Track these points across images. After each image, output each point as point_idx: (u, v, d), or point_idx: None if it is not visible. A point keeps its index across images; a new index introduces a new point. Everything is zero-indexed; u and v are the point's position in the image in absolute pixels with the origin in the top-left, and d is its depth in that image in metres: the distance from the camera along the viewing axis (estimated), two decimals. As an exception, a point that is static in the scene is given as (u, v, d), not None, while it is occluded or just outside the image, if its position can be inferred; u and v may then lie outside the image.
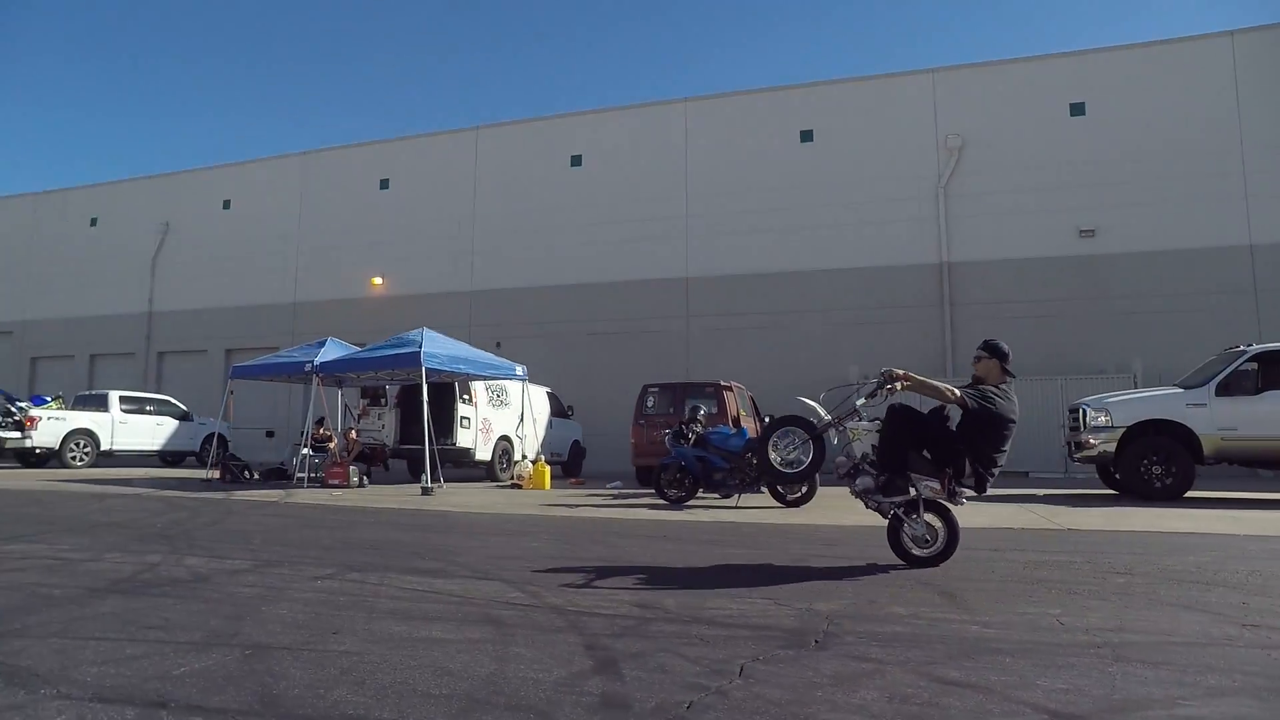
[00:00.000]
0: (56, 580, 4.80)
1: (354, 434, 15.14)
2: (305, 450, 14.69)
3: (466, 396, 15.43)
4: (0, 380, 33.84)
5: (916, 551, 5.38)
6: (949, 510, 5.38)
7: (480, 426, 15.61)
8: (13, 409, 19.51)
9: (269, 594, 4.48)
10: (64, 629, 3.62)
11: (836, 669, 3.09)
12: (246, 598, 4.37)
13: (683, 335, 23.24)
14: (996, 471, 5.30)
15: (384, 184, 27.75)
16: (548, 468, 14.32)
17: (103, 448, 20.33)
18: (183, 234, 31.40)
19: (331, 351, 14.20)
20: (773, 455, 6.41)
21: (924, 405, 5.58)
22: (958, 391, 5.19)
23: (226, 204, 30.62)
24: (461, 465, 16.10)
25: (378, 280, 26.92)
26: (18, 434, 19.13)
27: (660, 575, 5.25)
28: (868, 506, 5.61)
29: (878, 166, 21.95)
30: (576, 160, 25.16)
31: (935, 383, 5.27)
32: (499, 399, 16.38)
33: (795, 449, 6.35)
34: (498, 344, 24.03)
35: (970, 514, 9.30)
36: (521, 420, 15.89)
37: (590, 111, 25.57)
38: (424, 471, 12.69)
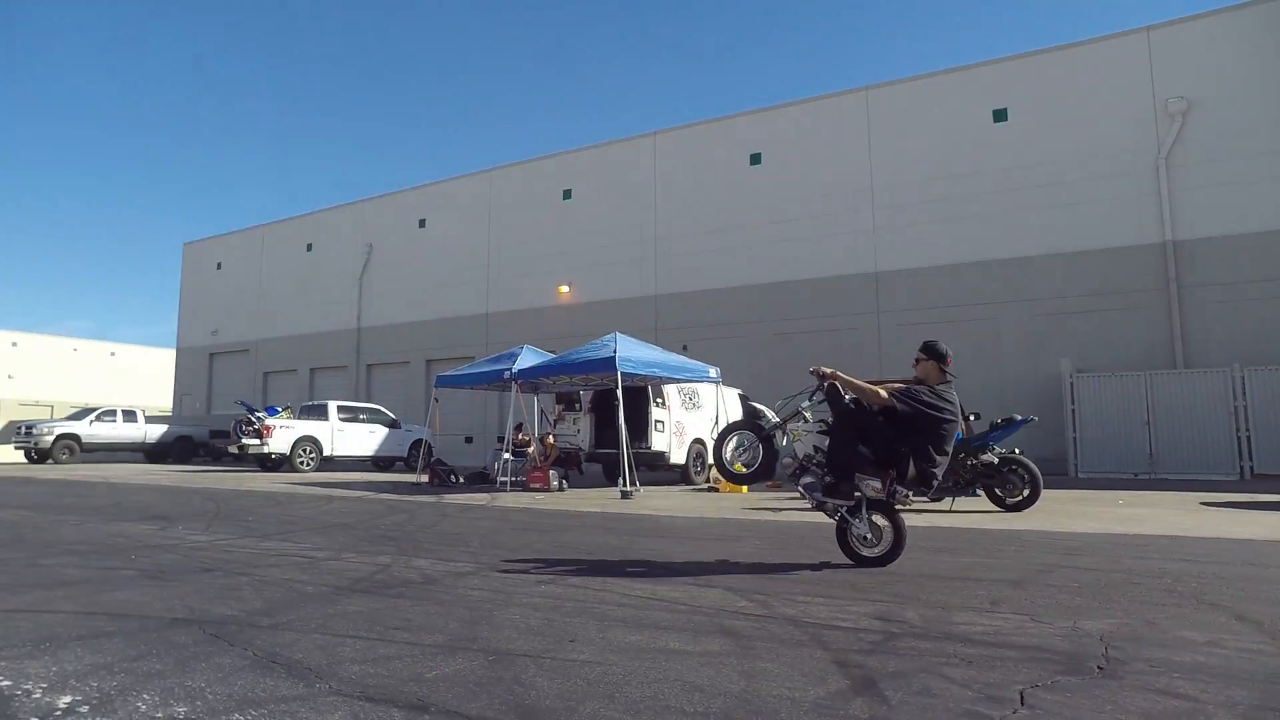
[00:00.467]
0: (307, 578, 5.09)
1: (550, 439, 15.56)
2: (506, 455, 15.23)
3: (660, 400, 15.48)
4: (239, 392, 37.72)
5: (864, 551, 5.48)
6: (896, 511, 5.43)
7: (674, 430, 15.62)
8: (253, 418, 21.57)
9: (497, 598, 4.53)
10: (322, 625, 3.79)
11: (1144, 705, 2.68)
12: (476, 601, 4.44)
13: (873, 332, 22.35)
14: (939, 471, 5.28)
15: (566, 194, 28.56)
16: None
17: (325, 453, 22.10)
18: (384, 253, 33.71)
19: (527, 359, 14.65)
20: (728, 457, 6.56)
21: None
22: (884, 393, 5.27)
23: (422, 223, 32.58)
24: (655, 469, 16.18)
25: (564, 288, 27.71)
26: (257, 441, 21.13)
27: (890, 584, 4.90)
28: (812, 506, 5.72)
29: (1082, 141, 20.17)
30: (756, 158, 24.83)
31: (863, 383, 5.40)
32: (691, 402, 16.35)
33: (746, 450, 6.48)
34: (684, 347, 24.07)
35: (1241, 524, 8.25)
36: (715, 423, 15.77)
37: (767, 108, 25.17)
38: (620, 475, 12.81)
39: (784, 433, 6.08)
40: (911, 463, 5.23)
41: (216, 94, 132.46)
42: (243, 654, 3.25)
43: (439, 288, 31.40)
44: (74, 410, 31.58)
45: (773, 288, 23.99)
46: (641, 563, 5.92)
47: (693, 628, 3.81)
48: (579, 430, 16.59)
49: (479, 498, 12.45)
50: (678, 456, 15.96)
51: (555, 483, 13.93)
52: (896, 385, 5.42)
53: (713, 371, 15.21)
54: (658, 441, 15.42)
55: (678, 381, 15.40)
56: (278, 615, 3.99)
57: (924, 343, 5.57)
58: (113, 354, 69.76)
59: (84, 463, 27.10)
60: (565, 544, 7.02)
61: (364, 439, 23.07)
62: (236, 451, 22.56)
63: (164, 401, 59.76)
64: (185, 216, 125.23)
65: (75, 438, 27.75)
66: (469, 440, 28.62)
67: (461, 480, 15.70)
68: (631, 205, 26.91)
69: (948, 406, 5.27)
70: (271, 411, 22.69)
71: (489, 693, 2.80)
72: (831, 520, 5.65)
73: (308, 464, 21.59)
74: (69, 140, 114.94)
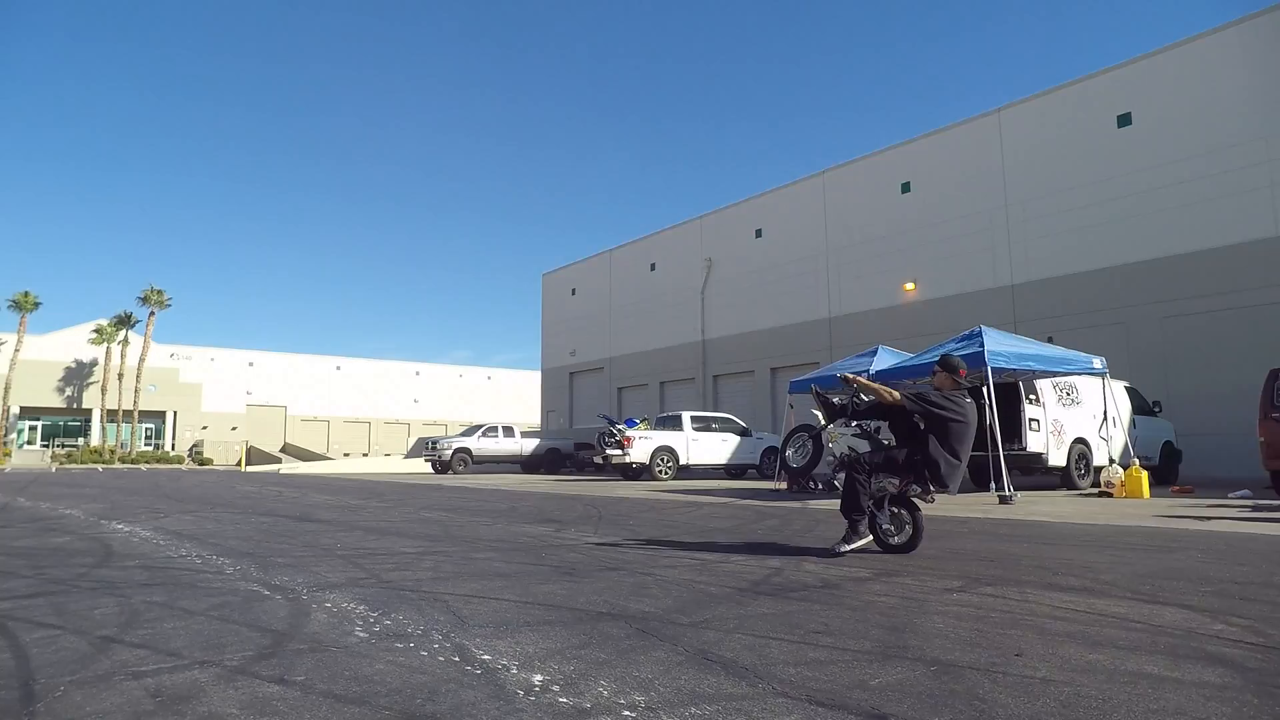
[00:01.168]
0: (705, 579, 5.16)
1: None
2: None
3: (1032, 397, 14.08)
4: (597, 408, 40.96)
5: (890, 540, 6.15)
6: (917, 507, 6.09)
7: (1051, 429, 14.12)
8: (614, 431, 23.19)
9: (908, 604, 4.22)
10: (739, 625, 3.75)
11: None
12: (888, 607, 4.17)
13: (1301, 305, 18.58)
14: (951, 479, 5.85)
15: (905, 187, 27.34)
16: (1144, 473, 12.32)
17: (681, 462, 23.10)
18: (724, 266, 34.71)
19: (884, 359, 14.11)
20: (790, 455, 7.43)
21: None
22: (898, 395, 5.92)
23: (759, 232, 33.07)
24: (1030, 472, 14.74)
25: (910, 285, 26.51)
26: (620, 451, 22.66)
27: None
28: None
29: None
30: (1124, 119, 21.88)
31: (879, 387, 6.10)
32: (1068, 397, 14.69)
33: (799, 449, 7.30)
34: (1049, 338, 21.85)
35: None
36: (1104, 419, 14.02)
37: (1138, 59, 22.05)
38: (996, 479, 11.81)
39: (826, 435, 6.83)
40: (926, 465, 5.84)
41: (560, 129, 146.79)
42: (673, 649, 3.29)
43: (778, 295, 31.63)
44: (464, 428, 36.46)
45: (1153, 265, 20.94)
46: (1058, 572, 5.25)
47: (1166, 651, 3.21)
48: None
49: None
50: (1056, 458, 14.38)
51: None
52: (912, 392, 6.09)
53: (1097, 362, 13.50)
54: (1033, 442, 14.00)
55: (1056, 375, 13.90)
56: (693, 614, 4.03)
57: (940, 357, 6.33)
58: (489, 378, 79.51)
59: (474, 472, 31.05)
60: (958, 551, 6.50)
61: (717, 448, 23.78)
62: (600, 462, 24.43)
63: (532, 418, 66.95)
64: (543, 247, 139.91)
65: (468, 451, 31.86)
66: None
67: (820, 487, 15.47)
68: (977, 191, 25.05)
69: (953, 407, 5.87)
70: (631, 424, 24.24)
71: (949, 706, 2.52)
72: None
73: (665, 472, 22.72)
74: (454, 191, 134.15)
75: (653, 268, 38.94)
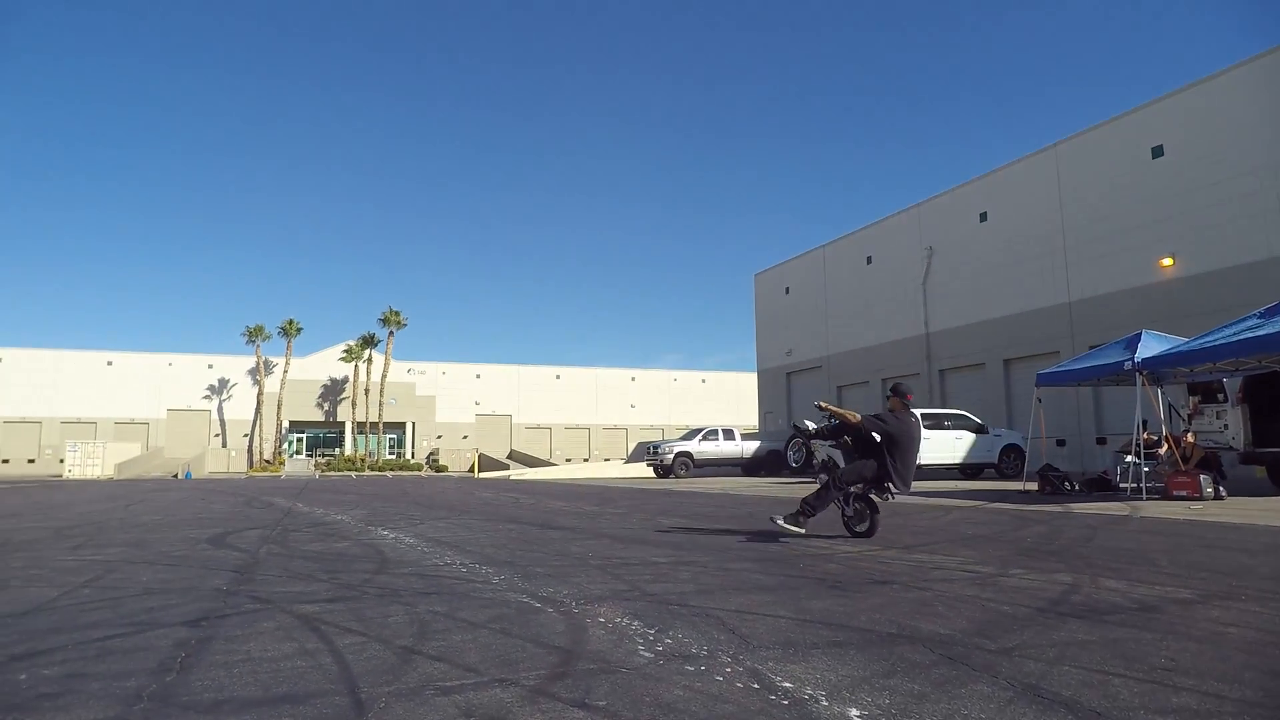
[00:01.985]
0: (991, 595, 4.68)
1: (1191, 437, 13.12)
2: (1129, 458, 13.29)
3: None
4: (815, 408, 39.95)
5: (855, 529, 7.80)
6: (876, 506, 7.74)
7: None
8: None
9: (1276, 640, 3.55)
10: (1060, 654, 3.30)
11: None
12: (1248, 642, 3.52)
13: None
14: (903, 481, 7.51)
15: (1156, 152, 24.50)
16: None
17: (911, 462, 21.95)
18: (946, 254, 32.78)
19: (1151, 345, 12.57)
20: (790, 456, 9.65)
21: None
22: (858, 417, 7.69)
23: (983, 216, 30.94)
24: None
25: (1167, 261, 23.72)
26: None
27: None
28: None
29: None
30: None
31: (843, 411, 7.83)
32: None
33: (796, 452, 9.46)
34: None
35: None
36: None
37: None
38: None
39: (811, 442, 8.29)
40: (883, 472, 7.42)
41: (765, 121, 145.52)
42: (994, 681, 2.91)
43: (1009, 282, 29.42)
44: (681, 431, 36.82)
45: None
46: None
47: None
48: (1225, 426, 13.74)
49: (1112, 507, 10.93)
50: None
51: (1208, 489, 11.61)
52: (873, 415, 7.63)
53: None
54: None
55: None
56: (996, 638, 3.61)
57: (892, 384, 7.83)
58: (703, 380, 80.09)
59: (696, 476, 31.20)
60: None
61: (949, 446, 22.43)
62: (795, 466, 23.71)
63: (748, 419, 66.71)
64: (753, 246, 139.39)
65: (689, 455, 32.10)
66: (1061, 444, 26.05)
67: (1077, 487, 14.10)
68: (1248, 148, 21.97)
69: (899, 426, 7.35)
70: (855, 422, 23.33)
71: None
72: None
73: (895, 473, 21.65)
74: (660, 193, 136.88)
75: (869, 260, 37.51)
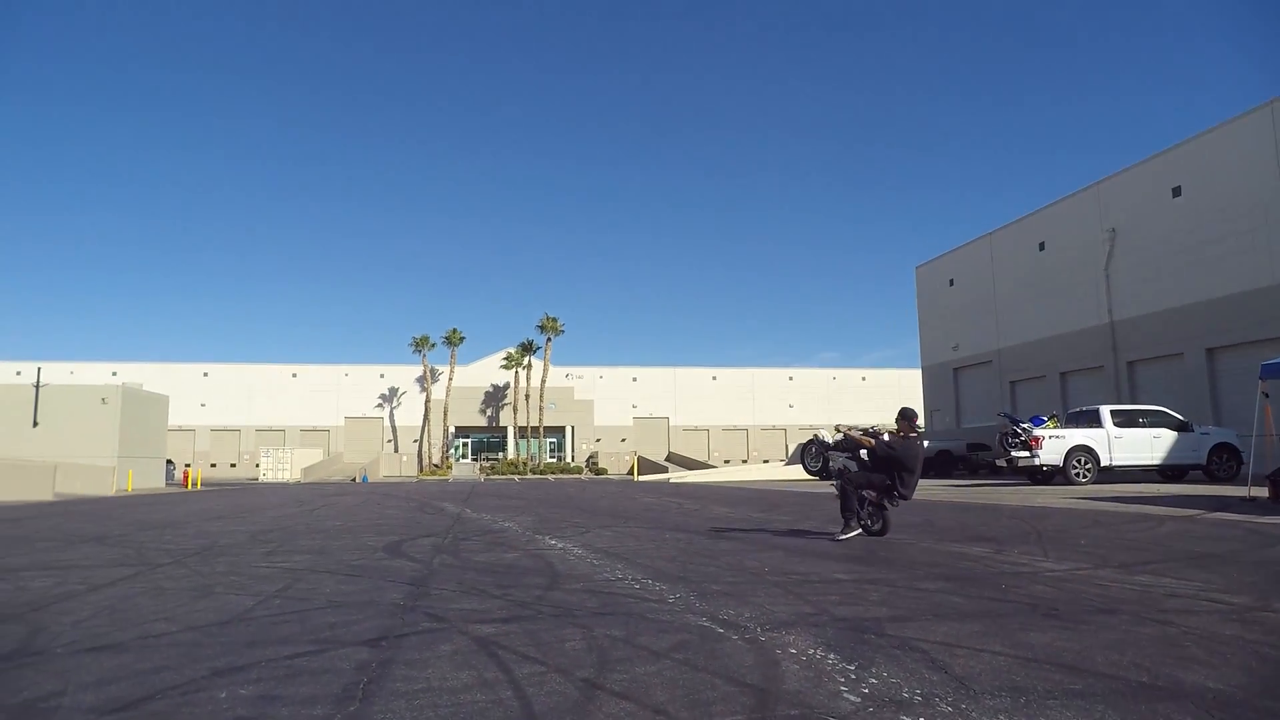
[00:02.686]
0: (1257, 636, 3.96)
1: None
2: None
3: None
4: (985, 404, 37.87)
5: (872, 528, 8.81)
6: (885, 508, 8.73)
7: None
8: (1019, 430, 20.96)
9: None
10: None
11: None
12: None
13: None
14: (908, 491, 8.59)
15: (1392, 108, 21.44)
16: None
17: (1101, 464, 20.20)
18: (1131, 235, 30.11)
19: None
20: (806, 464, 10.68)
21: None
22: (872, 441, 8.61)
23: (1176, 191, 28.16)
24: None
25: None
26: (1026, 453, 20.41)
27: None
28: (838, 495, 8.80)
29: None
30: None
31: (860, 437, 8.80)
32: None
33: (814, 459, 10.26)
34: None
35: None
36: None
37: None
38: None
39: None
40: (890, 486, 8.58)
41: (921, 106, 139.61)
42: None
43: (1210, 262, 26.64)
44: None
45: None
46: None
47: None
48: None
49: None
50: None
51: None
52: (885, 438, 8.67)
53: None
54: None
55: None
56: (1284, 693, 2.97)
57: (900, 410, 8.97)
58: (863, 378, 77.64)
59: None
60: None
61: (1146, 445, 20.45)
62: (1004, 465, 22.25)
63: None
64: (913, 238, 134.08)
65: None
66: None
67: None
68: None
69: (903, 452, 8.46)
70: (1037, 422, 21.75)
71: None
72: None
73: (1083, 475, 20.01)
74: (814, 187, 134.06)
75: (1041, 247, 35.02)
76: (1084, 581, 5.63)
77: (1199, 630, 4.04)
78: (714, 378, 75.36)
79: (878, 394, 75.50)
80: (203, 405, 66.96)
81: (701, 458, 68.12)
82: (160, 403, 36.57)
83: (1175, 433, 20.50)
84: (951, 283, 41.65)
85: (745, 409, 74.78)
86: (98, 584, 6.40)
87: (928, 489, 20.67)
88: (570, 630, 4.37)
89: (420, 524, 12.44)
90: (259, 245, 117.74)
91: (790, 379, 76.57)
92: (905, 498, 8.70)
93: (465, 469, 64.54)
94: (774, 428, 74.43)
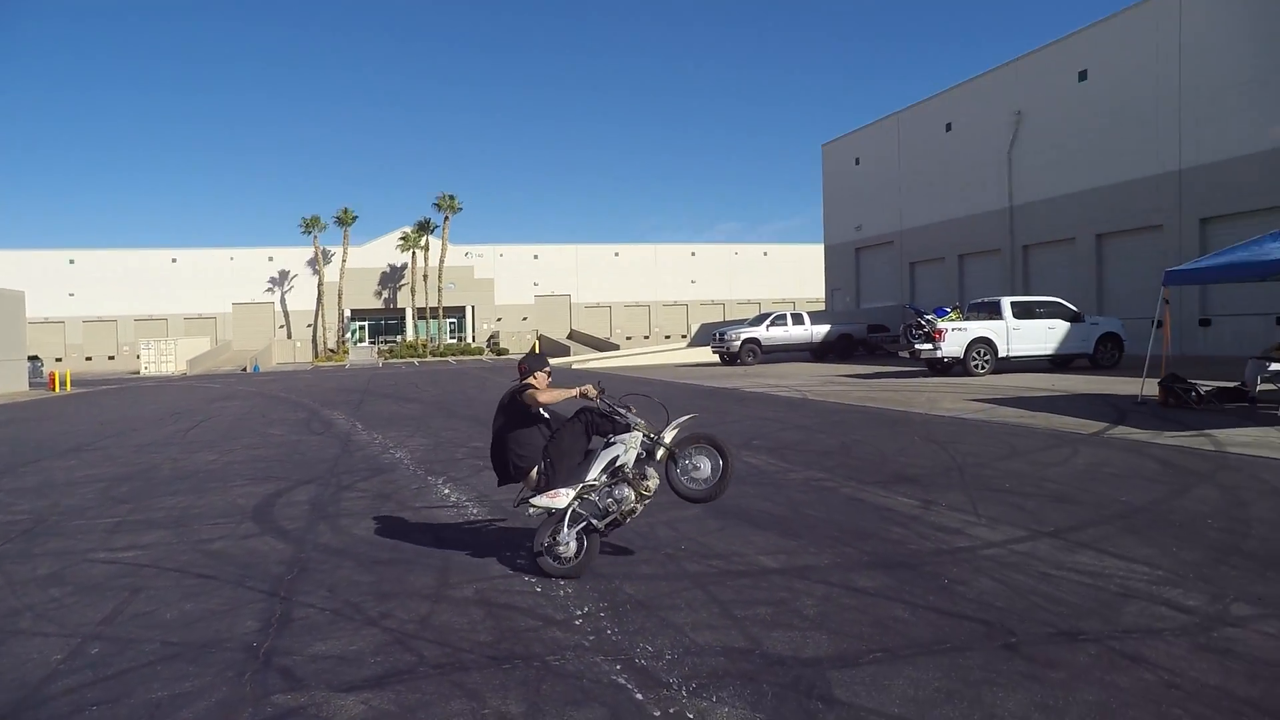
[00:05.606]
0: (1240, 684, 3.50)
1: (1347, 344, 11.46)
2: (1275, 366, 11.75)
3: None
4: (886, 285, 38.23)
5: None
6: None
7: None
8: (922, 321, 20.98)
9: None
10: None
11: None
12: None
13: None
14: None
15: (1295, -5, 21.34)
16: None
17: (1000, 354, 20.51)
18: (1036, 119, 29.98)
19: (1316, 241, 10.74)
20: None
21: None
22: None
23: (1082, 75, 27.93)
24: None
25: (1296, 124, 21.04)
26: (929, 345, 20.50)
27: None
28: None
29: None
30: None
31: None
32: None
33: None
34: None
35: None
36: None
37: None
38: None
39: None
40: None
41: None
42: None
43: (1108, 149, 26.80)
44: (743, 305, 35.48)
45: None
46: None
47: None
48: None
49: (1273, 439, 9.53)
50: None
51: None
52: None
53: None
54: None
55: None
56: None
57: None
58: (765, 254, 77.82)
59: (764, 363, 30.11)
60: None
61: (1042, 336, 20.82)
62: (908, 355, 22.44)
63: (811, 293, 64.86)
64: (819, 115, 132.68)
65: (757, 342, 30.97)
66: (1205, 324, 24.17)
67: (1205, 396, 12.60)
68: None
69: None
70: (940, 313, 21.84)
71: None
72: None
73: (982, 366, 20.33)
74: (715, 60, 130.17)
75: (948, 128, 34.66)
76: (1026, 569, 5.17)
77: (1176, 672, 3.55)
78: (616, 254, 74.22)
79: (780, 269, 75.98)
80: (71, 295, 62.24)
81: (604, 335, 67.72)
82: (13, 298, 33.17)
83: (1068, 323, 20.88)
84: (857, 162, 41.18)
85: (647, 285, 74.29)
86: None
87: (834, 379, 20.64)
88: (458, 703, 3.59)
89: (304, 456, 11.40)
90: (127, 121, 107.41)
91: (693, 254, 76.08)
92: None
93: (363, 354, 62.39)
94: (676, 304, 74.39)
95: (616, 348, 55.58)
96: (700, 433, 5.67)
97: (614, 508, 5.29)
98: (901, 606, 4.60)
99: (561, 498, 5.21)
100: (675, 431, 5.61)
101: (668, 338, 66.48)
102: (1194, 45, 23.82)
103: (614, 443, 5.42)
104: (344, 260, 64.69)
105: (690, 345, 41.68)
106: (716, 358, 32.52)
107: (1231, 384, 12.98)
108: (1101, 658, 3.81)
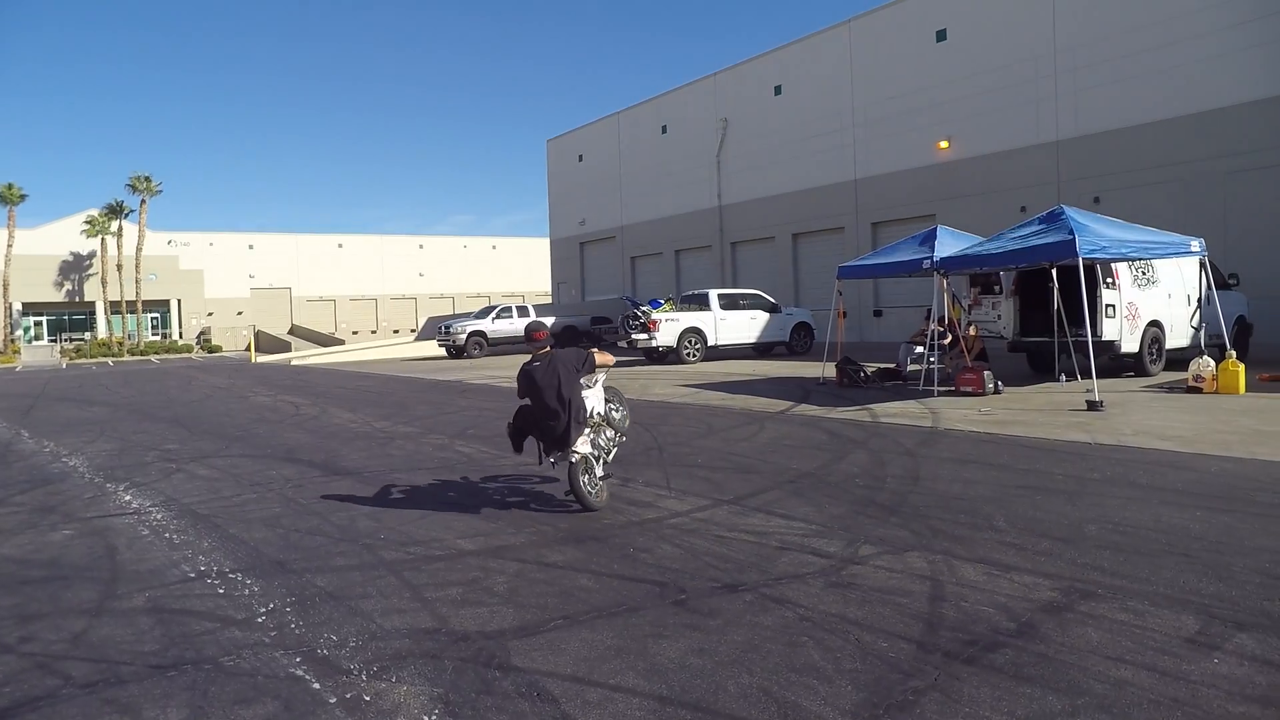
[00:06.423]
0: (857, 613, 4.12)
1: (974, 330, 13.65)
2: (920, 349, 13.74)
3: (1110, 280, 12.77)
4: (610, 279, 39.63)
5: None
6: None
7: (1125, 313, 12.91)
8: (638, 313, 22.06)
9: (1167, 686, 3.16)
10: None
11: None
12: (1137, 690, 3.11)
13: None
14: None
15: (940, 35, 24.95)
16: (1240, 366, 11.17)
17: (709, 343, 22.10)
18: (740, 127, 32.51)
19: (948, 243, 12.70)
20: None
21: None
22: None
23: (778, 90, 30.72)
24: (1097, 359, 13.67)
25: (945, 143, 24.61)
26: (645, 335, 21.62)
27: None
28: None
29: None
30: (1201, -53, 19.47)
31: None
32: (1145, 277, 13.38)
33: None
34: (1095, 199, 20.46)
35: None
36: (1197, 306, 12.86)
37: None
38: (1073, 374, 10.84)
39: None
40: None
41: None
42: None
43: (801, 157, 29.70)
44: (472, 298, 35.31)
45: (1218, 115, 19.15)
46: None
47: None
48: (999, 316, 14.47)
49: (912, 410, 11.13)
50: (1130, 344, 13.22)
51: (990, 385, 12.12)
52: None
53: (1195, 244, 12.10)
54: (1108, 329, 12.79)
55: (1155, 259, 12.65)
56: (895, 716, 2.98)
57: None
58: (494, 247, 77.55)
59: (490, 355, 30.15)
60: (1171, 527, 5.43)
61: (745, 326, 22.71)
62: (626, 345, 23.51)
63: (540, 286, 65.64)
64: (548, 112, 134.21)
65: (483, 335, 30.92)
66: (878, 314, 27.40)
67: (871, 376, 14.44)
68: (1023, 35, 22.79)
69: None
70: (655, 304, 23.06)
71: None
72: None
73: (693, 355, 21.78)
74: (450, 55, 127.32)
75: (664, 130, 36.62)
76: (704, 534, 5.68)
77: (811, 612, 4.11)
78: (340, 245, 70.44)
79: (510, 263, 76.05)
80: None
81: (329, 330, 64.08)
82: None
83: (768, 314, 22.98)
84: (581, 158, 42.27)
85: (374, 278, 71.25)
86: None
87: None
88: None
89: (-63, 470, 9.73)
90: None
91: (420, 247, 74.06)
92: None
93: (41, 353, 53.90)
94: (404, 297, 72.07)
95: (342, 343, 52.77)
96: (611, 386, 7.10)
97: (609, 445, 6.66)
98: (587, 576, 4.88)
99: (587, 444, 6.26)
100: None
101: (396, 332, 64.19)
102: (864, 71, 27.12)
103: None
104: (9, 245, 55.50)
105: (418, 339, 40.64)
106: (444, 351, 32.04)
107: (889, 365, 14.99)
108: (754, 603, 4.30)
